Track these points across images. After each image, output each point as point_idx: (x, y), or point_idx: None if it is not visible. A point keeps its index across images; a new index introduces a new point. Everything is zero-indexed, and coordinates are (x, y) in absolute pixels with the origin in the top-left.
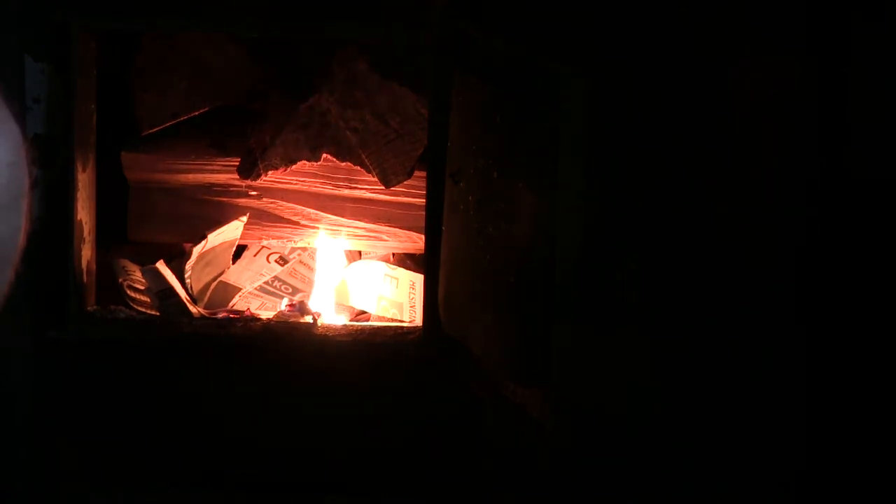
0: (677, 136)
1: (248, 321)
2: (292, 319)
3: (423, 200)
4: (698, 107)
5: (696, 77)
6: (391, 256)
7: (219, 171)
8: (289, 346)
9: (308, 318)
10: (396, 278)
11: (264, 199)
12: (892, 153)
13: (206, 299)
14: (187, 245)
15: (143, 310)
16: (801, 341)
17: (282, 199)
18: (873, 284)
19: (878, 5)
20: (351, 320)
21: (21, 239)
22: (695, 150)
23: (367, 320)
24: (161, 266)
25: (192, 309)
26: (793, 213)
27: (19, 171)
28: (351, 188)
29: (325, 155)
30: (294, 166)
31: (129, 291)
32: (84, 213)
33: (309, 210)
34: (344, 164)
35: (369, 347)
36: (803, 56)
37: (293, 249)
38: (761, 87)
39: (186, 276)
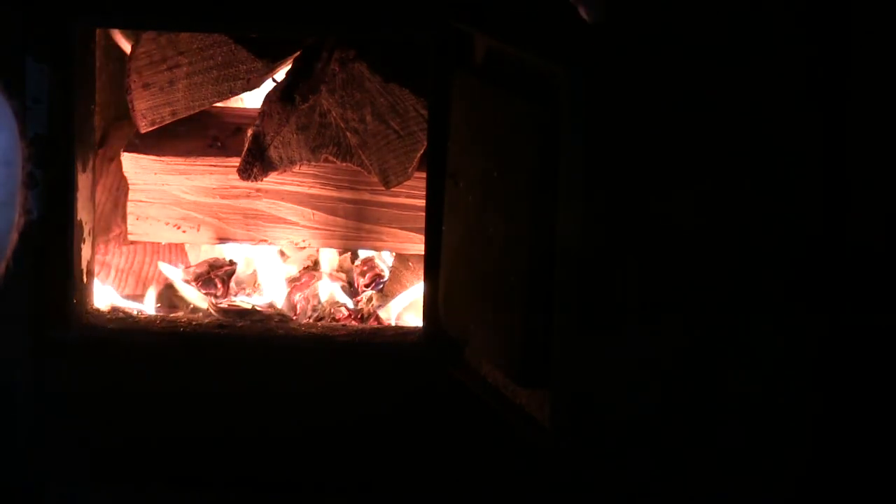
0: (677, 134)
1: (250, 321)
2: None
3: (423, 201)
4: (697, 105)
5: (695, 75)
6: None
7: (219, 171)
8: (288, 346)
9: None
10: None
11: (264, 200)
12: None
13: None
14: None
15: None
16: (809, 335)
17: (282, 200)
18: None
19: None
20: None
21: (14, 234)
22: (694, 148)
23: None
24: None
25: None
26: (797, 210)
27: (15, 167)
28: (352, 189)
29: (325, 156)
30: (294, 167)
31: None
32: (84, 213)
33: (309, 211)
34: (344, 164)
35: (369, 347)
36: (802, 52)
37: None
38: (760, 84)
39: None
